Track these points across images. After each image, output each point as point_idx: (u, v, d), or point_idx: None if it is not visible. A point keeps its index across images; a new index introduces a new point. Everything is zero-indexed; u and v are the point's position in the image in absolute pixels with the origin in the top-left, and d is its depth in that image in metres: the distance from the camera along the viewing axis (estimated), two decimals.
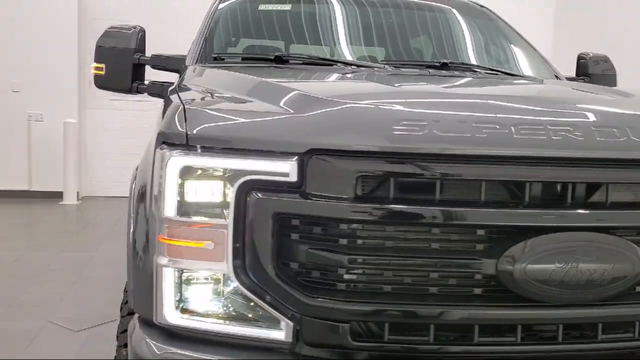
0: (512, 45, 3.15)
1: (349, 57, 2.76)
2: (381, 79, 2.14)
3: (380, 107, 1.50)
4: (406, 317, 1.40)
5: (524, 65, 2.99)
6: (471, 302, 1.41)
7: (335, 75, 2.26)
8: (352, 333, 1.39)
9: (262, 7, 3.04)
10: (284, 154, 1.40)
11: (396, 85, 1.95)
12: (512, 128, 1.41)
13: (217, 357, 1.46)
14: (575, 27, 8.61)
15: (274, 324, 1.43)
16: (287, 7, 3.03)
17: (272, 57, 2.61)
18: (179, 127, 1.50)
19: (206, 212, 1.46)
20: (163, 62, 2.87)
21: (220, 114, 1.54)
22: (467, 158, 1.39)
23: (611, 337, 1.46)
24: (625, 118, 1.54)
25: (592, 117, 1.50)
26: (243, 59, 2.74)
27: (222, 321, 1.48)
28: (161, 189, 1.49)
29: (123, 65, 2.86)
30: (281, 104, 1.54)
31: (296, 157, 1.39)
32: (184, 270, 1.49)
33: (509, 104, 1.66)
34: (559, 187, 1.41)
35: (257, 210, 1.40)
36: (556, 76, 2.95)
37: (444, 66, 2.65)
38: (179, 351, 1.47)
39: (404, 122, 1.40)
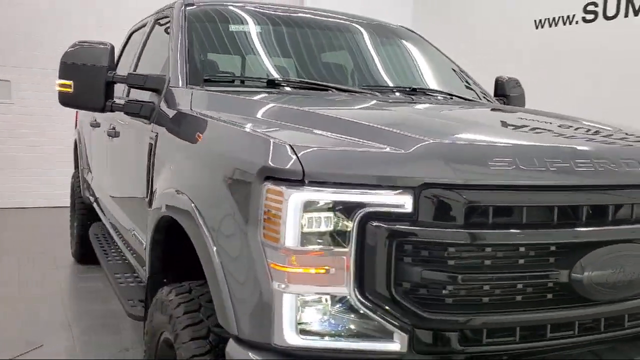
0: (453, 70, 3.57)
1: (333, 82, 2.96)
2: (432, 110, 2.45)
3: (475, 144, 1.76)
4: (500, 323, 1.67)
5: (474, 90, 3.42)
6: (546, 306, 1.72)
7: (393, 108, 2.47)
8: (458, 340, 1.63)
9: (232, 27, 3.12)
10: (400, 188, 1.60)
11: (462, 119, 2.26)
12: (572, 162, 1.74)
13: None
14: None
15: (389, 337, 1.62)
16: (258, 28, 3.15)
17: (266, 81, 2.75)
18: (291, 163, 1.62)
19: (326, 240, 1.60)
20: (140, 81, 2.85)
21: (332, 152, 1.69)
22: (542, 188, 1.70)
23: (633, 324, 1.86)
24: (633, 151, 1.95)
25: (617, 151, 1.89)
26: (234, 81, 2.82)
27: (340, 339, 1.63)
28: (280, 222, 1.60)
29: (95, 83, 2.79)
30: (382, 142, 1.73)
31: (411, 191, 1.60)
32: (303, 295, 1.62)
33: (558, 139, 2.03)
34: (604, 208, 1.77)
35: (376, 238, 1.59)
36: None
37: (413, 91, 2.99)
38: None
39: (496, 159, 1.67)
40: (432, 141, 1.71)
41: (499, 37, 8.38)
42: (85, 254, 5.66)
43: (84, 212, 5.49)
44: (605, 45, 6.78)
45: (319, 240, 1.61)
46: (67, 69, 2.81)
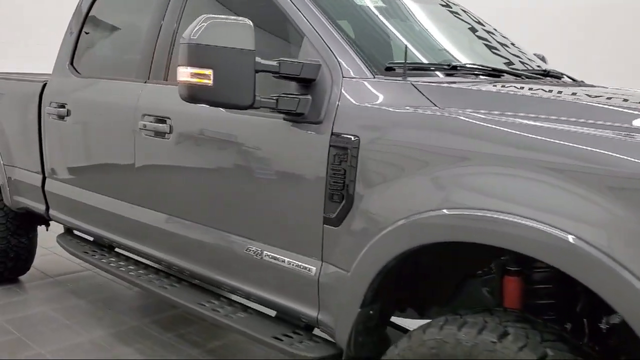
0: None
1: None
2: None
3: None
4: None
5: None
6: None
7: None
8: None
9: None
10: None
11: None
12: None
13: None
14: None
15: None
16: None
17: (448, 67, 2.41)
18: None
19: None
20: (295, 70, 2.29)
21: None
22: None
23: None
24: None
25: None
26: (416, 69, 2.38)
27: None
28: None
29: (241, 72, 2.19)
30: None
31: None
32: None
33: None
34: None
35: None
36: None
37: (545, 73, 2.86)
38: None
39: None
40: None
41: None
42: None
43: (4, 222, 4.36)
44: None
45: None
46: (203, 53, 2.15)
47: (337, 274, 2.24)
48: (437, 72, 2.42)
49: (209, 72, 2.16)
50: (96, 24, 3.71)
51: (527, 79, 2.66)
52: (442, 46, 2.77)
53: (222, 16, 2.21)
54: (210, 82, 2.16)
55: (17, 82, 4.14)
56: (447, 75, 2.42)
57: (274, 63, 2.26)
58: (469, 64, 2.54)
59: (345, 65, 2.29)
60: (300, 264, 2.37)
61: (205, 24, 2.16)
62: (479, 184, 1.85)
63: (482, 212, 1.78)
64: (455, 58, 2.69)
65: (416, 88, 2.11)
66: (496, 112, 1.94)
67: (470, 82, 2.36)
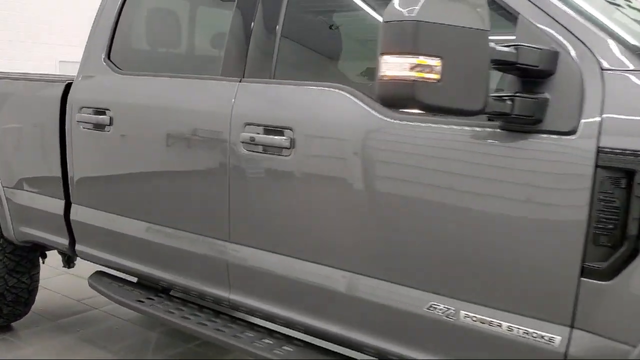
0: None
1: None
2: None
3: None
4: None
5: None
6: None
7: None
8: None
9: None
10: None
11: None
12: None
13: None
14: None
15: None
16: None
17: None
18: None
19: None
20: (533, 59, 1.63)
21: None
22: None
23: None
24: None
25: None
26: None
27: None
28: None
29: (474, 62, 1.53)
30: None
31: None
32: None
33: None
34: None
35: None
36: None
37: None
38: None
39: None
40: None
41: None
42: None
43: (1, 257, 3.46)
44: None
45: None
46: (428, 35, 1.46)
47: (606, 348, 1.59)
48: None
49: (437, 62, 1.47)
50: (142, 3, 2.90)
51: None
52: None
53: None
54: (437, 76, 1.47)
55: (24, 84, 3.25)
56: None
57: (512, 50, 1.59)
58: None
59: (599, 52, 1.64)
60: (531, 330, 1.70)
61: None
62: None
63: None
64: None
65: None
66: None
67: None
